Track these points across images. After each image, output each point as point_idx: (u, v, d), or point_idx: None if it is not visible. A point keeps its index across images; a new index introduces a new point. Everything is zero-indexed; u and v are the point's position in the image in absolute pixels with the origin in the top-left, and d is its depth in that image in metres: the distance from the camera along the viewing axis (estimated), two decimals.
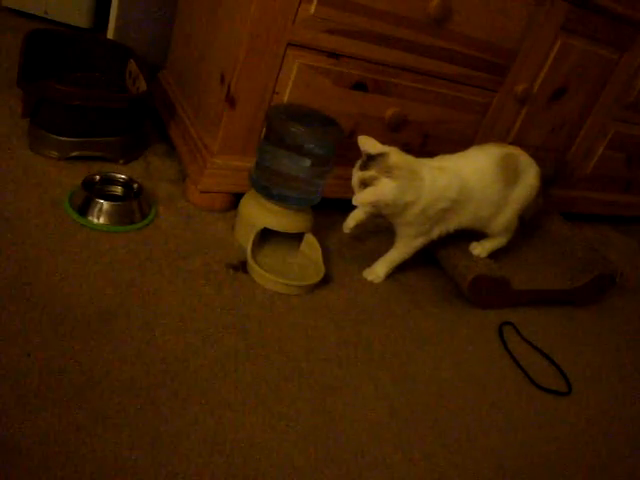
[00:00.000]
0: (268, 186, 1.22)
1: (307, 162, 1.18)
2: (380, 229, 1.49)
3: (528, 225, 1.59)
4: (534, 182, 1.35)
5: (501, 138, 1.62)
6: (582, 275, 1.49)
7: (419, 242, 1.30)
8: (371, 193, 1.16)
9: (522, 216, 1.40)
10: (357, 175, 1.19)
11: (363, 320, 1.21)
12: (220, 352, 1.01)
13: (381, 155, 1.18)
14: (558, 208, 1.81)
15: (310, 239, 1.30)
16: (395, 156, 1.18)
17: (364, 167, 1.18)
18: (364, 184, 1.17)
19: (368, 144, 1.20)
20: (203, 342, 1.01)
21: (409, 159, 1.21)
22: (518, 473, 1.01)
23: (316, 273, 1.24)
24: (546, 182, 1.42)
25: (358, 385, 1.05)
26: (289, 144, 1.17)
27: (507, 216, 1.35)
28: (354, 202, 1.17)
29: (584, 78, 1.65)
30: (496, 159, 1.30)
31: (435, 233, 1.29)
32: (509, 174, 1.30)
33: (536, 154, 1.40)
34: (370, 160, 1.18)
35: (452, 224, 1.30)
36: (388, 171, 1.16)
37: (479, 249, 1.39)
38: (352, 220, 1.32)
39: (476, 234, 1.40)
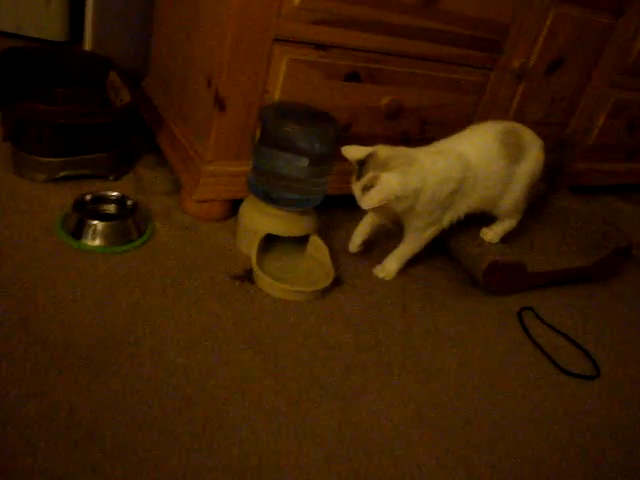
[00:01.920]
0: (267, 190, 1.17)
1: (305, 162, 1.13)
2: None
3: (537, 203, 1.54)
4: (539, 156, 1.30)
5: (500, 116, 1.56)
6: (598, 250, 1.44)
7: (430, 233, 1.24)
8: (377, 191, 1.09)
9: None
10: (357, 186, 1.13)
11: (379, 321, 1.16)
12: (235, 370, 0.96)
13: (370, 156, 1.12)
14: (564, 183, 1.76)
15: (316, 241, 1.25)
16: (384, 150, 1.13)
17: (360, 176, 1.13)
18: (367, 190, 1.12)
19: (352, 152, 1.14)
20: (216, 362, 0.96)
21: (400, 148, 1.16)
22: (556, 468, 0.96)
23: (326, 276, 1.19)
24: (554, 169, 1.36)
25: (382, 391, 1.01)
26: (285, 144, 1.12)
27: (515, 194, 1.30)
28: (364, 207, 1.11)
29: (581, 47, 1.59)
30: (497, 135, 1.24)
31: (446, 221, 1.24)
32: (513, 149, 1.25)
33: (538, 129, 1.35)
34: (362, 166, 1.13)
35: (462, 208, 1.24)
36: (384, 165, 1.11)
37: (490, 234, 1.34)
38: (358, 237, 1.27)
39: (485, 220, 1.35)
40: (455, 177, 1.17)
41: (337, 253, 1.31)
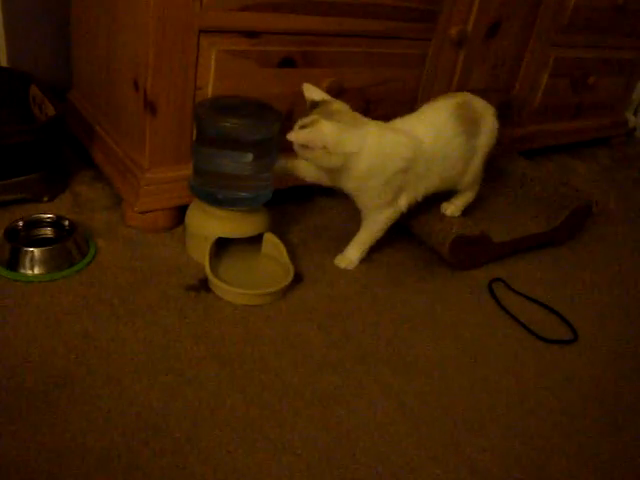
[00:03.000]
0: (211, 191, 1.10)
1: (248, 157, 1.07)
2: (346, 210, 1.38)
3: (492, 170, 1.50)
4: (494, 124, 1.26)
5: (444, 87, 1.52)
6: (559, 212, 1.41)
7: (387, 216, 1.19)
8: (307, 131, 1.04)
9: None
10: (297, 123, 1.08)
11: (347, 314, 1.11)
12: (201, 388, 0.89)
13: (323, 102, 1.09)
14: (514, 148, 1.73)
15: (271, 238, 1.19)
16: (339, 104, 1.10)
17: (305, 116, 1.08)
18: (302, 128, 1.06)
19: (311, 91, 1.11)
20: (179, 382, 0.89)
21: (355, 112, 1.12)
22: (548, 440, 0.92)
23: (285, 274, 1.13)
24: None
25: (359, 388, 0.95)
26: (225, 141, 1.05)
27: (475, 167, 1.26)
28: (289, 138, 1.04)
29: (516, 8, 1.56)
30: (450, 112, 1.19)
31: (403, 203, 1.18)
32: (469, 125, 1.20)
33: (483, 96, 1.31)
34: (312, 109, 1.08)
35: (419, 190, 1.19)
36: (329, 115, 1.06)
37: (452, 208, 1.30)
38: (287, 161, 1.18)
39: (443, 195, 1.30)
40: (403, 156, 1.12)
41: (294, 248, 1.24)
